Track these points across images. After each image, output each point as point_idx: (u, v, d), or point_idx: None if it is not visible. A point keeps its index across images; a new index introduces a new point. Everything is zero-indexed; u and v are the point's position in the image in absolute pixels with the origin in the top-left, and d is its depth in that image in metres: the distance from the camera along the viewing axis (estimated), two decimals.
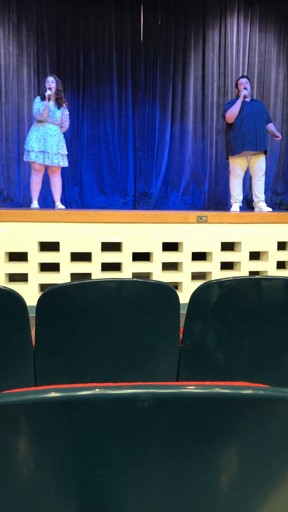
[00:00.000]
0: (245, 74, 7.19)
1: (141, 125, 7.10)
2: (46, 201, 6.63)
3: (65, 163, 5.21)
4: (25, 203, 6.74)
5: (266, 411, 0.67)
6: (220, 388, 0.65)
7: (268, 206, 5.69)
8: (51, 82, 5.07)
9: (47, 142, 5.01)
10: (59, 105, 5.12)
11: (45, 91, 5.02)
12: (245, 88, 5.44)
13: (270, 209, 5.50)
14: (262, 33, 7.28)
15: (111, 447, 0.67)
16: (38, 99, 5.06)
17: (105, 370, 1.58)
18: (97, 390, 0.64)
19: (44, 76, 6.70)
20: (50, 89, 5.03)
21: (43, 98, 5.01)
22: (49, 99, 4.98)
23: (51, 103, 5.06)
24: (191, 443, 0.67)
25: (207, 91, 7.18)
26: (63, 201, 6.51)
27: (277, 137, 5.58)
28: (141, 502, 0.70)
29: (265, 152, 5.47)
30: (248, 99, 5.50)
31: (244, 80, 5.53)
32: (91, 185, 7.08)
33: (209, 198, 7.30)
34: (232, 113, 5.42)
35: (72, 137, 6.93)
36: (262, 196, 5.56)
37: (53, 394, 0.63)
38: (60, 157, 5.13)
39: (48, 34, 6.80)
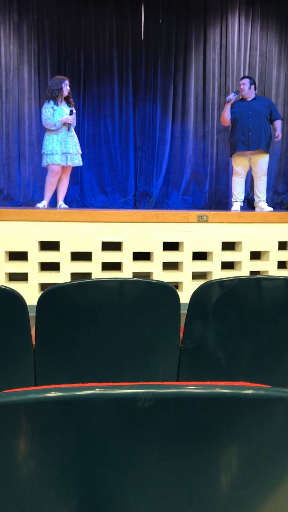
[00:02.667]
0: (246, 73, 7.18)
1: (142, 124, 7.10)
2: (50, 202, 6.62)
3: (81, 161, 5.28)
4: (26, 202, 6.74)
5: (267, 411, 0.67)
6: (220, 388, 0.65)
7: (269, 205, 5.68)
8: (65, 85, 5.08)
9: (68, 143, 5.04)
10: (70, 105, 5.16)
11: (58, 93, 5.01)
12: (235, 92, 5.49)
13: (271, 209, 5.49)
14: (263, 32, 7.27)
15: (111, 447, 0.67)
16: (49, 109, 4.99)
17: (106, 370, 1.58)
18: (97, 390, 0.64)
19: (45, 75, 6.71)
20: (71, 111, 5.06)
21: (53, 99, 4.99)
22: (68, 128, 5.04)
23: (65, 105, 5.09)
24: (192, 443, 0.67)
25: (208, 90, 7.17)
26: (63, 200, 6.51)
27: (276, 136, 5.56)
28: (141, 502, 0.70)
29: (265, 152, 5.43)
30: (249, 99, 5.50)
31: (242, 80, 5.54)
32: (92, 184, 7.07)
33: (209, 197, 7.30)
34: (223, 117, 5.59)
35: None
36: (263, 196, 5.56)
37: (53, 394, 0.63)
38: (79, 156, 5.20)
39: (49, 33, 6.80)
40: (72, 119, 5.07)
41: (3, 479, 0.67)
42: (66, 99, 5.15)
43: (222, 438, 0.67)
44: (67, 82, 5.13)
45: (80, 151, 5.22)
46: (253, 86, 5.53)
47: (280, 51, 7.33)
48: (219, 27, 7.15)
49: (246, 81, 5.50)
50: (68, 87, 5.13)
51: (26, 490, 0.68)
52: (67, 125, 5.05)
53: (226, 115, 5.49)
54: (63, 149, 5.02)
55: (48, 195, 5.24)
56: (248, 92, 5.49)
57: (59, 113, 4.99)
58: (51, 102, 5.00)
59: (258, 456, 0.69)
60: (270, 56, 7.31)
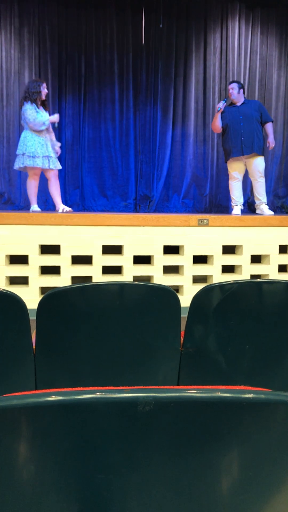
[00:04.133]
0: (247, 77, 7.20)
1: (142, 128, 7.11)
2: (47, 204, 6.63)
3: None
4: (26, 206, 6.73)
5: (267, 415, 0.67)
6: (221, 392, 0.65)
7: (270, 209, 5.66)
8: (43, 89, 5.11)
9: (48, 146, 5.05)
10: (46, 109, 5.18)
11: (37, 96, 5.02)
12: (224, 99, 5.50)
13: (272, 213, 5.48)
14: (263, 36, 7.29)
15: (112, 451, 0.67)
16: (33, 110, 4.99)
17: (106, 374, 1.58)
18: (97, 393, 0.64)
19: (46, 79, 6.73)
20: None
21: (33, 102, 5.02)
22: (55, 127, 5.12)
23: (42, 109, 5.12)
24: (192, 447, 0.67)
25: (208, 94, 7.19)
26: (64, 204, 6.51)
27: (268, 142, 5.52)
28: (141, 506, 0.70)
29: (258, 154, 5.39)
30: (238, 103, 5.49)
31: (231, 85, 5.51)
32: (92, 188, 7.08)
33: (210, 201, 7.30)
34: (213, 125, 5.60)
35: (73, 140, 6.94)
36: (263, 198, 5.53)
37: (53, 398, 0.63)
38: (57, 160, 5.21)
39: (50, 38, 6.82)
40: (57, 118, 5.13)
41: (4, 483, 0.67)
42: (43, 103, 5.16)
43: (223, 442, 0.67)
44: (44, 85, 5.14)
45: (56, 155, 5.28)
46: (241, 90, 5.50)
47: (280, 55, 7.35)
48: (219, 31, 7.17)
49: (235, 85, 5.48)
50: (45, 90, 5.14)
51: (27, 494, 0.68)
52: (55, 124, 5.10)
53: (217, 123, 5.50)
54: (44, 152, 5.02)
55: (34, 199, 5.26)
56: (238, 96, 5.47)
57: (41, 116, 5.01)
58: (33, 104, 5.01)
59: (259, 460, 0.69)
60: (270, 60, 7.33)
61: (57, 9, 6.79)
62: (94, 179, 7.07)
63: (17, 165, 5.10)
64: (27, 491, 0.68)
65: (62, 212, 5.06)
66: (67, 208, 5.28)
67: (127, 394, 0.64)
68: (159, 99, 7.08)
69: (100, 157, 7.05)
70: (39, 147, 4.98)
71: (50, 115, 5.17)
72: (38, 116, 4.97)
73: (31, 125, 5.00)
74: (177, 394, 0.64)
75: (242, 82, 7.13)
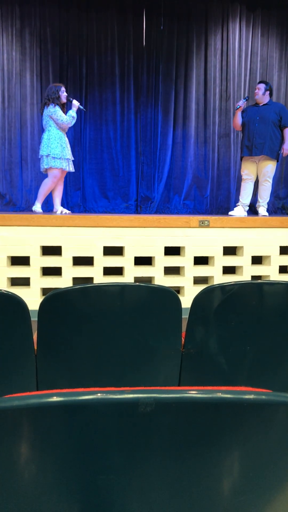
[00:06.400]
0: (247, 79, 7.21)
1: (144, 130, 7.12)
2: (49, 206, 6.64)
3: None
4: (28, 207, 6.75)
5: (268, 416, 0.67)
6: (222, 393, 0.65)
7: (270, 210, 5.66)
8: (62, 92, 5.16)
9: (66, 149, 5.10)
10: (64, 112, 5.24)
11: (57, 101, 5.06)
12: (245, 98, 5.49)
13: (266, 214, 5.48)
14: (264, 38, 7.30)
15: (113, 452, 0.67)
16: (60, 110, 5.08)
17: (107, 375, 1.58)
18: (99, 394, 0.64)
19: (47, 81, 6.74)
20: (70, 100, 5.22)
21: (56, 105, 5.06)
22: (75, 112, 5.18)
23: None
24: (193, 448, 0.67)
25: (209, 96, 7.20)
26: (65, 205, 6.52)
27: (283, 148, 5.39)
28: (143, 507, 0.70)
29: (270, 158, 5.36)
30: (261, 104, 5.45)
31: (258, 85, 5.47)
32: (94, 189, 7.09)
33: (211, 202, 7.31)
34: (233, 122, 5.65)
35: (74, 142, 6.94)
36: (262, 200, 5.55)
37: (55, 399, 0.63)
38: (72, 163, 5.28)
39: (51, 40, 6.83)
40: (77, 103, 5.23)
41: (5, 484, 0.67)
42: (62, 107, 5.19)
43: (224, 443, 0.67)
44: (63, 88, 5.18)
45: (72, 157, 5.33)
46: (268, 92, 5.43)
47: (281, 56, 7.35)
48: (220, 33, 7.18)
49: (262, 86, 5.45)
50: (65, 93, 5.18)
51: (28, 495, 0.68)
52: (81, 106, 5.24)
53: (237, 121, 5.51)
54: (66, 154, 5.09)
55: (43, 198, 5.29)
56: (262, 97, 5.41)
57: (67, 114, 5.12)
58: (57, 106, 5.05)
59: (259, 461, 0.69)
60: (271, 62, 7.34)
61: (58, 11, 6.80)
62: (95, 180, 7.08)
63: (43, 166, 5.15)
64: (28, 492, 0.68)
65: (61, 214, 5.08)
66: (66, 211, 5.29)
67: (128, 395, 0.64)
68: (160, 101, 7.09)
69: (101, 159, 7.06)
70: (61, 149, 5.03)
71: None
72: (67, 115, 5.10)
73: (65, 125, 5.09)
74: (178, 395, 0.64)
75: (244, 83, 7.14)
